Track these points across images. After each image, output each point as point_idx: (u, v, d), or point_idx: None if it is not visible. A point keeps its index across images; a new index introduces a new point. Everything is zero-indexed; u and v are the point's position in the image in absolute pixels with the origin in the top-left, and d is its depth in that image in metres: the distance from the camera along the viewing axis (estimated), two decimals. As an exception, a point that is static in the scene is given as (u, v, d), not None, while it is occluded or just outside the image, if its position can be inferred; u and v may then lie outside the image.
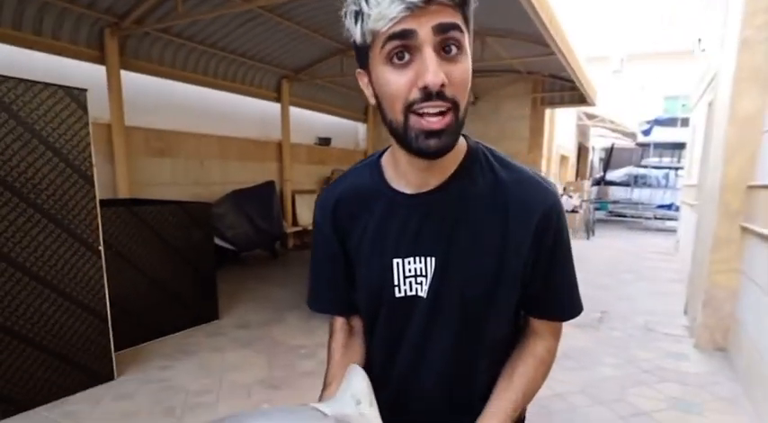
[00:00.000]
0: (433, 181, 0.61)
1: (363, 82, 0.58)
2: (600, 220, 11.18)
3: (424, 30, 0.48)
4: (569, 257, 0.65)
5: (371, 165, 0.68)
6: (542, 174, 0.52)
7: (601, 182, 13.32)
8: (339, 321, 0.77)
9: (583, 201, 9.41)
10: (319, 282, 0.75)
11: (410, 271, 0.64)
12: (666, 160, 12.63)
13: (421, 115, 0.51)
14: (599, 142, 14.14)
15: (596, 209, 10.88)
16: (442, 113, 0.50)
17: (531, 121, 7.77)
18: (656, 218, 11.62)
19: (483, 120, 7.92)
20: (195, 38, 5.02)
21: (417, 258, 0.63)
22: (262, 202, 5.75)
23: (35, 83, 2.09)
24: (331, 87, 7.46)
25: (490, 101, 7.90)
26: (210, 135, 5.77)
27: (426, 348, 0.67)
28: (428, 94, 0.49)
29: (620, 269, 6.21)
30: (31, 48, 3.81)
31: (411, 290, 0.64)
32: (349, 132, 8.90)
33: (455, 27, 0.49)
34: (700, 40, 7.18)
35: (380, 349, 0.72)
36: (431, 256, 0.62)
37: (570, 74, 6.17)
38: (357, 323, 0.76)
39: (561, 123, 9.14)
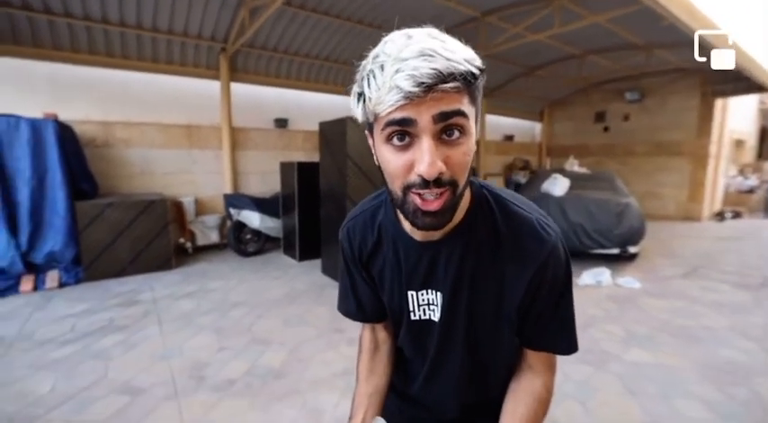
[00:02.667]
0: (439, 233, 0.66)
1: (371, 143, 0.60)
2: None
3: (423, 119, 0.49)
4: (568, 298, 0.69)
5: (386, 204, 0.75)
6: (544, 218, 0.68)
7: (791, 162, 12.28)
8: (366, 338, 0.87)
9: (763, 181, 9.67)
10: (346, 292, 0.85)
11: (423, 300, 0.73)
12: None
13: (419, 194, 0.53)
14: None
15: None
16: (439, 194, 0.53)
17: (700, 110, 8.36)
18: None
19: (649, 113, 9.11)
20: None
21: (428, 290, 0.72)
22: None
23: (343, 119, 4.24)
24: (515, 98, 9.85)
25: (656, 97, 8.97)
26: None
27: (442, 363, 0.77)
28: (425, 182, 0.52)
29: (798, 246, 5.73)
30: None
31: (425, 315, 0.74)
32: (527, 129, 11.29)
33: (458, 113, 0.50)
34: None
35: (407, 356, 0.83)
36: (439, 292, 0.71)
37: (743, 70, 6.44)
38: (382, 334, 0.86)
39: (736, 109, 9.20)
